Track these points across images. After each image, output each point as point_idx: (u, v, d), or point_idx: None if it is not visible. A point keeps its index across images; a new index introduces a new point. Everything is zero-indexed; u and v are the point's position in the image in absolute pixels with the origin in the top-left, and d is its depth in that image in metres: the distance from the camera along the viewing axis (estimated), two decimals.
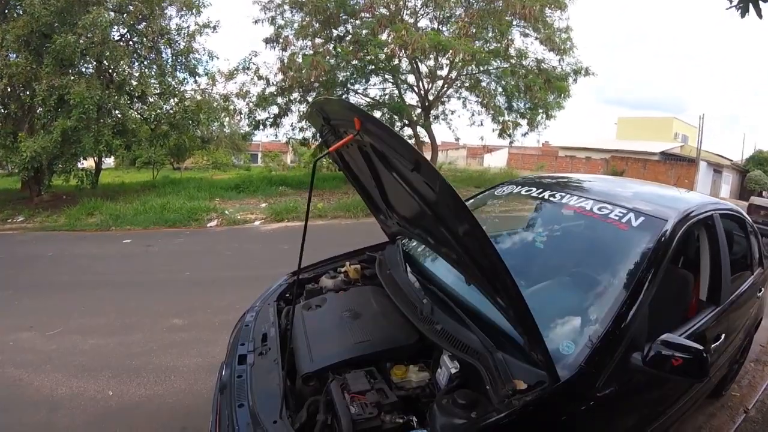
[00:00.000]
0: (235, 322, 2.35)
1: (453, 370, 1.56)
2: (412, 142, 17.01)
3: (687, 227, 2.07)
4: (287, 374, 1.69)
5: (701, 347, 1.55)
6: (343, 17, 12.80)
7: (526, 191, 2.65)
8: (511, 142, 15.05)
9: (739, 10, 2.32)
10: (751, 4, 2.41)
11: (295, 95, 13.51)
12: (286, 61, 12.51)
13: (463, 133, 31.32)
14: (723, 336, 2.36)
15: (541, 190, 2.58)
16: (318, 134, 2.67)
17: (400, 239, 2.63)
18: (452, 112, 16.21)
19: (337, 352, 1.72)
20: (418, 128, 15.10)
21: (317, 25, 12.99)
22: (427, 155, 14.88)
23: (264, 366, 1.75)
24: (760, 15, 2.50)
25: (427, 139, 15.38)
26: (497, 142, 15.28)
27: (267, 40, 13.38)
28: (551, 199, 2.48)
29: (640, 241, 1.92)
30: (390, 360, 1.72)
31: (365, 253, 2.75)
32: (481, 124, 14.95)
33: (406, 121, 15.04)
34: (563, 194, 2.44)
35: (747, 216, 3.27)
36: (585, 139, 38.71)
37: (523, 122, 13.76)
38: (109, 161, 21.15)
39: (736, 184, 34.58)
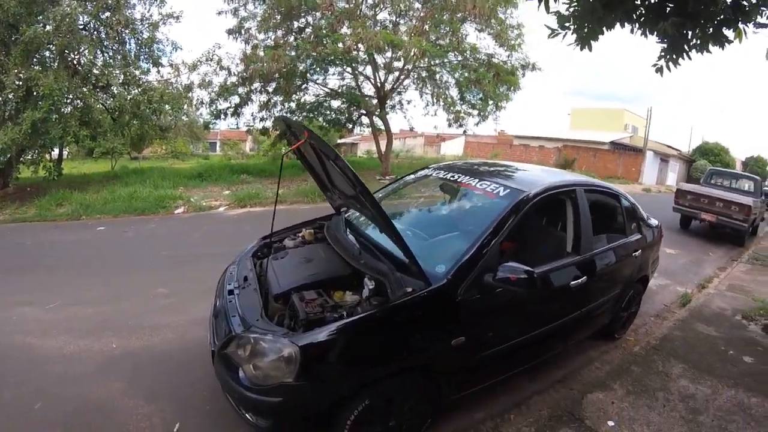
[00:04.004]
0: (215, 285, 3.08)
1: (371, 286, 2.39)
2: (368, 131, 17.72)
3: (543, 196, 2.90)
4: (264, 305, 2.45)
5: (531, 269, 2.35)
6: (304, 9, 13.16)
7: (435, 174, 3.55)
8: (464, 132, 15.88)
9: (578, 45, 3.15)
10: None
11: (256, 85, 13.83)
12: (248, 53, 12.84)
13: (419, 122, 32.02)
14: (585, 278, 3.07)
15: (445, 172, 3.48)
16: (280, 135, 3.54)
17: (344, 211, 3.47)
18: (408, 102, 16.71)
19: (296, 279, 2.53)
20: (375, 118, 15.59)
21: (279, 17, 13.35)
22: (383, 143, 15.61)
23: (247, 293, 2.56)
24: (590, 49, 3.44)
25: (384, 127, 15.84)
26: (453, 130, 16.09)
27: (230, 32, 13.72)
28: (450, 178, 3.41)
29: (500, 204, 2.76)
30: (333, 287, 2.53)
31: (317, 222, 3.59)
32: (435, 114, 15.69)
33: (363, 111, 15.54)
34: (459, 175, 3.34)
35: (621, 192, 4.02)
36: (540, 129, 39.90)
37: (474, 112, 14.58)
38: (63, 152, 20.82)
39: (682, 173, 36.18)
